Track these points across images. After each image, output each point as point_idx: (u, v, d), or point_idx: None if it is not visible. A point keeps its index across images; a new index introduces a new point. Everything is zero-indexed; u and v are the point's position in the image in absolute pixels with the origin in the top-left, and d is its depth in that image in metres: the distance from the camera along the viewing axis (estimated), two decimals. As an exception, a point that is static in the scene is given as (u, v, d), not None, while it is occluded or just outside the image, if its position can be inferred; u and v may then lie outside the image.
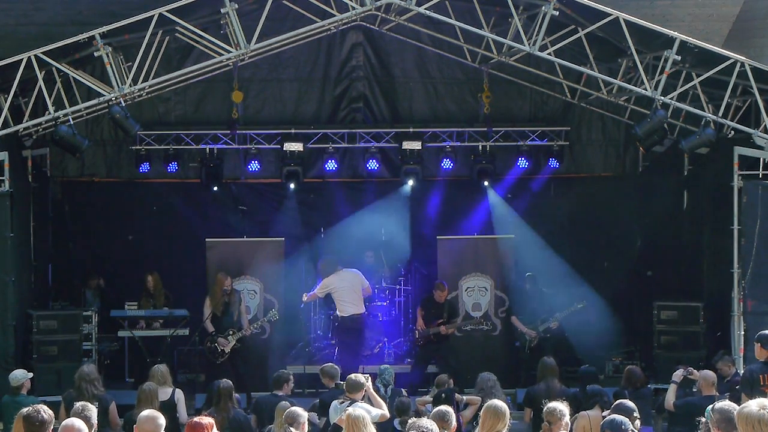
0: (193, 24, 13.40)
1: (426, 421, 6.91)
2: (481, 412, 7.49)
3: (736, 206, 13.98)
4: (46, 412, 6.33)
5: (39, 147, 16.00)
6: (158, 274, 15.96)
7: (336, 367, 12.06)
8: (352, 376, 10.32)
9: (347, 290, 15.26)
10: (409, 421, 7.08)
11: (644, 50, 13.72)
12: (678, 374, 11.21)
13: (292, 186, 17.16)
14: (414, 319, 16.09)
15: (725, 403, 6.35)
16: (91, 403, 10.14)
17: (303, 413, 8.91)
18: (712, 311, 14.69)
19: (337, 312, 15.34)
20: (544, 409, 8.30)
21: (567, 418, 8.12)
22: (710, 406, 6.38)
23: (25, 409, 6.38)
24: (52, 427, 6.36)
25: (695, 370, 11.26)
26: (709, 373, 11.00)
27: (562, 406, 8.18)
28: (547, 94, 17.09)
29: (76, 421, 6.55)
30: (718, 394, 10.69)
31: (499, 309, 16.00)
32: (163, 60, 14.21)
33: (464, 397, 11.62)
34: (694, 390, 11.22)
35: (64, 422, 6.53)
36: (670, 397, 11.03)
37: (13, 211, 13.81)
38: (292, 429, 8.57)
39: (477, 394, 11.85)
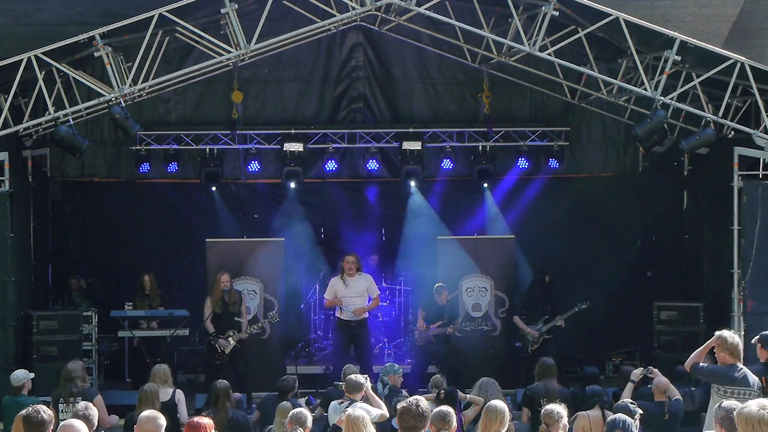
0: (193, 24, 13.40)
1: (413, 398, 6.99)
2: (481, 413, 7.49)
3: (736, 206, 13.98)
4: (45, 412, 6.34)
5: (39, 147, 16.01)
6: (153, 275, 15.96)
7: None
8: (352, 376, 10.33)
9: None
10: (401, 403, 7.10)
11: (644, 50, 13.72)
12: (636, 373, 11.13)
13: (292, 186, 17.17)
14: (414, 319, 16.09)
15: (731, 402, 6.38)
16: (75, 400, 10.23)
17: (309, 414, 8.92)
18: (712, 311, 14.68)
19: (366, 314, 15.17)
20: (542, 410, 8.30)
21: (565, 420, 8.14)
22: (717, 404, 6.42)
23: (24, 410, 6.40)
24: (51, 428, 6.37)
25: (655, 369, 11.21)
26: (662, 380, 10.97)
27: (559, 408, 8.19)
28: (547, 94, 17.09)
29: (75, 422, 6.56)
30: (668, 400, 10.67)
31: (499, 309, 15.99)
32: (163, 60, 14.20)
33: (467, 396, 11.62)
34: (649, 386, 11.15)
35: (63, 422, 6.54)
36: (626, 396, 10.88)
37: (13, 211, 13.81)
38: (301, 430, 8.59)
39: (477, 395, 11.84)
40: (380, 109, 17.45)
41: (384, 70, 17.35)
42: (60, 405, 11.00)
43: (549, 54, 13.88)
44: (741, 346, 9.61)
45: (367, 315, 15.15)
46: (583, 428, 9.91)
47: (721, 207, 14.37)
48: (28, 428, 6.28)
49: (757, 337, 10.17)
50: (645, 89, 13.64)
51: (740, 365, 9.54)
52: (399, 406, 6.97)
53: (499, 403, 7.48)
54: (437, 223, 17.19)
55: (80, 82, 13.73)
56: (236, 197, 17.56)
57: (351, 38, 17.18)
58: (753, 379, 9.56)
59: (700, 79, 13.67)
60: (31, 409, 6.38)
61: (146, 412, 7.14)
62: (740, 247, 13.94)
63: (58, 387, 11.43)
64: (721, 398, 9.32)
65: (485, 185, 17.23)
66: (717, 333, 9.69)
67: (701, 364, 9.72)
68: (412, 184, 17.20)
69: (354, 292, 14.99)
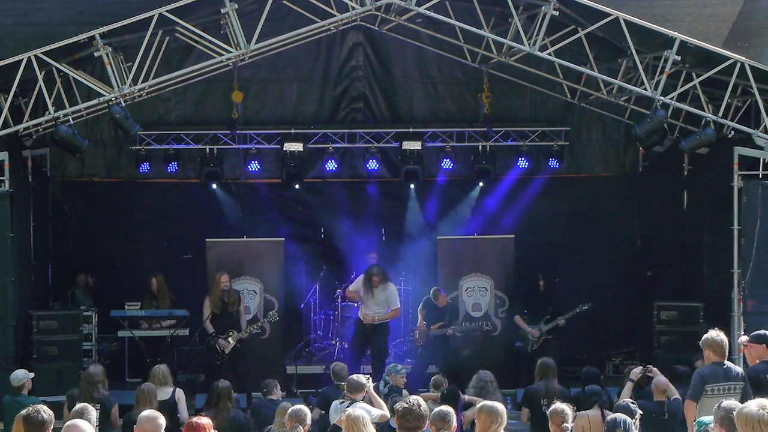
0: (193, 24, 13.40)
1: (413, 398, 7.02)
2: (476, 413, 7.49)
3: (736, 206, 13.98)
4: (46, 412, 6.33)
5: (39, 147, 16.00)
6: (162, 277, 15.95)
7: (345, 366, 12.19)
8: (354, 376, 10.33)
9: None
10: (396, 405, 7.11)
11: (644, 50, 13.72)
12: (636, 372, 11.13)
13: (292, 186, 17.16)
14: (414, 319, 16.08)
15: (731, 402, 6.38)
16: (93, 405, 10.21)
17: (308, 412, 8.93)
18: (712, 311, 14.68)
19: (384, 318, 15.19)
20: (552, 408, 8.26)
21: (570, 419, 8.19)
22: (717, 404, 6.42)
23: (25, 410, 6.39)
24: (52, 427, 6.37)
25: (654, 368, 11.22)
26: (662, 380, 10.99)
27: (567, 407, 8.21)
28: (547, 94, 17.09)
29: (80, 422, 6.55)
30: (667, 400, 10.67)
31: (499, 309, 15.98)
32: (163, 60, 14.21)
33: (466, 397, 11.61)
34: (651, 386, 11.15)
35: (67, 423, 6.54)
36: (625, 395, 10.87)
37: (13, 211, 13.81)
38: (300, 427, 8.59)
39: (472, 394, 11.85)
40: (380, 109, 17.46)
41: (384, 70, 17.35)
42: None
43: (549, 54, 13.87)
44: (726, 344, 9.64)
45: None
46: (583, 428, 9.90)
47: (721, 207, 14.37)
48: (28, 428, 6.28)
49: (752, 335, 10.16)
50: (645, 89, 13.64)
51: (725, 362, 9.59)
52: (400, 407, 6.95)
53: (495, 402, 7.47)
54: (437, 223, 17.20)
55: (80, 82, 13.73)
56: (236, 197, 17.57)
57: (351, 38, 17.18)
58: (737, 371, 9.60)
59: (700, 79, 13.67)
60: (31, 408, 6.38)
61: (146, 412, 7.14)
62: (740, 247, 13.94)
63: (77, 387, 11.39)
64: (707, 398, 9.34)
65: (480, 184, 17.22)
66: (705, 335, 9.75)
67: (698, 372, 9.73)
68: (412, 187, 17.20)
69: (375, 302, 15.00)
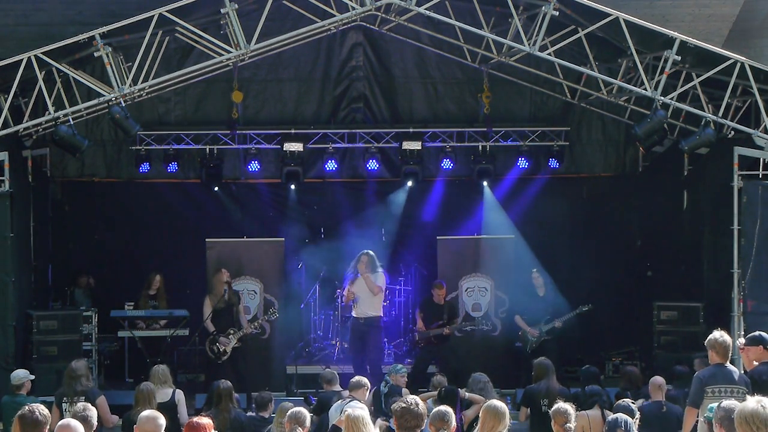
0: (193, 24, 13.40)
1: (411, 398, 7.01)
2: (480, 413, 7.48)
3: (736, 206, 13.98)
4: (41, 412, 6.32)
5: (39, 147, 16.01)
6: (163, 276, 15.96)
7: (335, 372, 12.18)
8: (356, 377, 10.35)
9: None
10: (394, 405, 7.11)
11: (644, 50, 13.72)
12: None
13: (292, 186, 17.17)
14: (414, 320, 16.08)
15: (730, 402, 6.38)
16: (77, 398, 10.20)
17: (307, 414, 8.93)
18: (712, 311, 14.68)
19: (378, 313, 15.11)
20: (555, 408, 8.24)
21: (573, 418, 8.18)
22: (716, 404, 6.41)
23: (21, 409, 6.39)
24: (48, 427, 6.35)
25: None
26: (658, 378, 10.99)
27: (569, 407, 8.20)
28: (547, 94, 17.09)
29: (72, 421, 6.56)
30: (664, 399, 10.65)
31: (499, 309, 15.98)
32: (163, 60, 14.21)
33: (467, 394, 11.60)
34: (648, 386, 11.15)
35: (60, 422, 6.54)
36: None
37: (13, 211, 13.80)
38: (299, 429, 8.59)
39: (473, 392, 11.85)
40: (380, 109, 17.45)
41: (384, 70, 17.34)
42: (63, 404, 10.98)
43: (549, 54, 13.88)
44: (729, 346, 9.62)
45: (377, 314, 15.07)
46: (583, 428, 9.90)
47: (721, 207, 14.37)
48: (22, 428, 6.27)
49: (747, 337, 10.16)
50: (645, 89, 13.63)
51: (727, 364, 9.57)
52: (398, 407, 6.95)
53: (499, 403, 7.47)
54: (437, 223, 17.20)
55: (80, 82, 13.72)
56: (236, 197, 17.57)
57: (351, 38, 17.18)
58: (741, 375, 9.58)
59: (700, 79, 13.67)
60: (27, 408, 6.37)
61: (146, 412, 7.15)
62: (740, 247, 13.94)
63: (62, 386, 11.40)
64: (709, 399, 9.32)
65: (485, 183, 17.22)
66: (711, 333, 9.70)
67: (697, 375, 9.69)
68: (409, 184, 17.21)
69: (362, 289, 14.97)
